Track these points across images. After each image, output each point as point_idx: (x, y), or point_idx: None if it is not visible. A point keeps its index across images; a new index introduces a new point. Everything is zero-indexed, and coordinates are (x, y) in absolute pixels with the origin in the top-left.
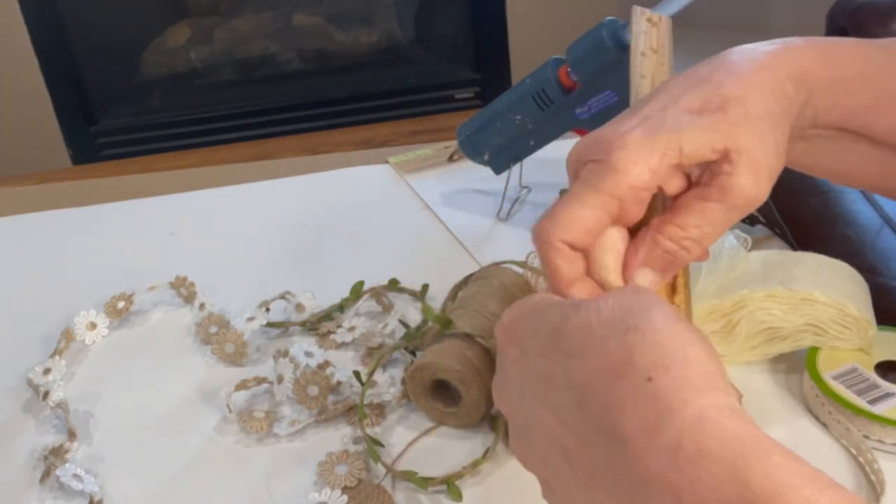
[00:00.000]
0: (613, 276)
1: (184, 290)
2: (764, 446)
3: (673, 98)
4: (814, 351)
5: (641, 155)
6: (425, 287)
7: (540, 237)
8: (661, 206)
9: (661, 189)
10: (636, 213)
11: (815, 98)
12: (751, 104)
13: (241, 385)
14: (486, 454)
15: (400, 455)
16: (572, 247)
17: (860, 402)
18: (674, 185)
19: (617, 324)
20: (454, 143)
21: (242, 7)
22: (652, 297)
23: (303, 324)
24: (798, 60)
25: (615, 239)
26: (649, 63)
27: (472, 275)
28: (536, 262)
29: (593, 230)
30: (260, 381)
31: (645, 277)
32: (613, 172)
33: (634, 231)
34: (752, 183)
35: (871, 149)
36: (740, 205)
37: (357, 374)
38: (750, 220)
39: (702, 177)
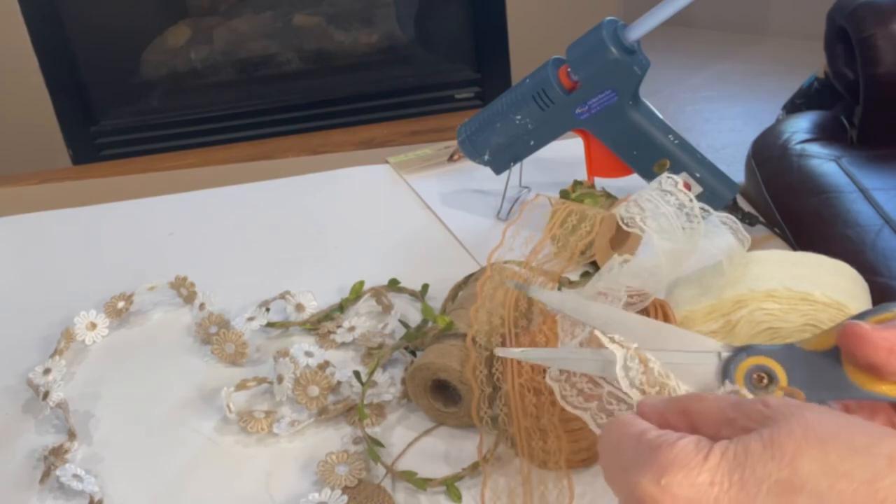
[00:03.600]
0: None
1: (184, 290)
2: None
3: None
4: None
5: None
6: (425, 287)
7: None
8: None
9: None
10: None
11: None
12: None
13: (241, 385)
14: (487, 456)
15: (400, 455)
16: None
17: None
18: None
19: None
20: (454, 143)
21: (242, 7)
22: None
23: (303, 324)
24: None
25: None
26: None
27: (472, 275)
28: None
29: None
30: (260, 381)
31: None
32: None
33: None
34: None
35: None
36: None
37: (357, 374)
38: (750, 220)
39: None
